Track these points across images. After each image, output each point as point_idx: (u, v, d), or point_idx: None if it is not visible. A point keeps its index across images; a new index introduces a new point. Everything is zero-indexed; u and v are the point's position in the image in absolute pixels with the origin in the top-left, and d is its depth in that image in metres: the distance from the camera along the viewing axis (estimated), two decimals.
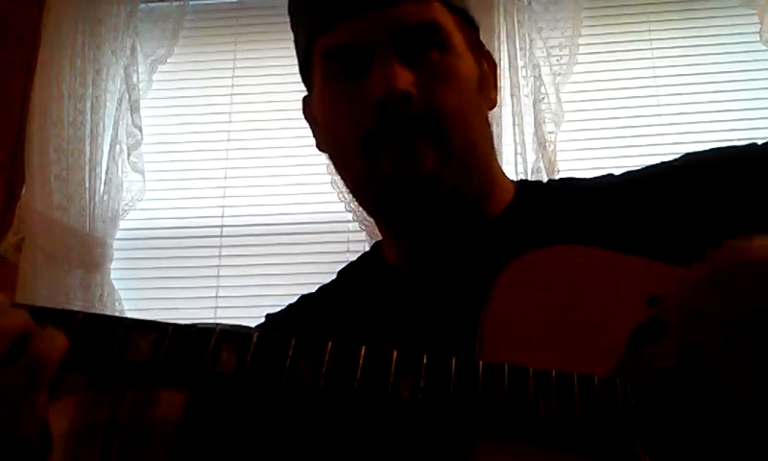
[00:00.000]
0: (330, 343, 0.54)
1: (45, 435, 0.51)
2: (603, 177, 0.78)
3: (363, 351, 0.54)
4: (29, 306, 0.53)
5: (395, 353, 0.54)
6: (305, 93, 0.85)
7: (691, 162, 0.73)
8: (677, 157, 0.74)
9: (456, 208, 0.73)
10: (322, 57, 0.74)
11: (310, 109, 0.82)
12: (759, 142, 0.72)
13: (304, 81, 0.83)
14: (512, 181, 0.82)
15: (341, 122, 0.74)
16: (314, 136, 0.83)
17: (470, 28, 0.79)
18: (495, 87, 0.82)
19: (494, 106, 0.80)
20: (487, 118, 0.78)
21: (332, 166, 0.81)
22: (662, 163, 0.74)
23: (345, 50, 0.72)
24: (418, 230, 0.74)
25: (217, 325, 0.56)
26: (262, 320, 0.82)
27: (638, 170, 0.75)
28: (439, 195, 0.71)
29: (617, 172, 0.78)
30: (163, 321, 0.55)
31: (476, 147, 0.74)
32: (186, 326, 0.55)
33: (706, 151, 0.73)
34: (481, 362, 0.54)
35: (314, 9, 0.75)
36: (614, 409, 0.52)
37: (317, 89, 0.78)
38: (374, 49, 0.70)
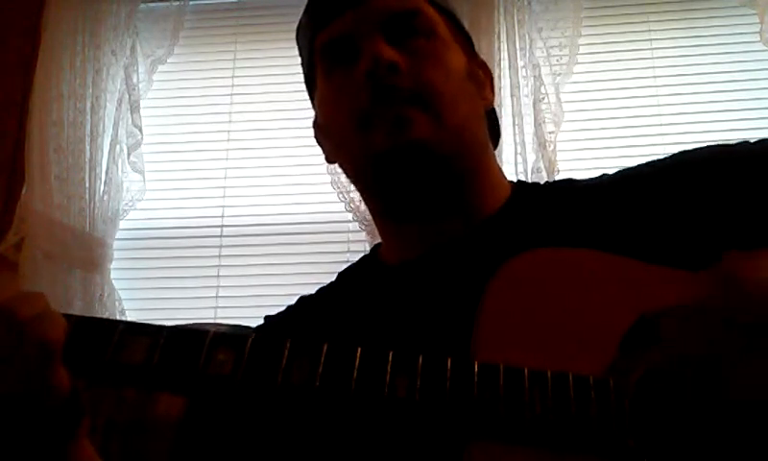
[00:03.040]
0: (326, 345, 0.54)
1: (74, 404, 0.56)
2: (598, 177, 0.78)
3: (359, 352, 0.54)
4: None
5: (390, 354, 0.54)
6: (305, 93, 0.86)
7: (684, 160, 0.73)
8: (669, 155, 0.74)
9: (449, 181, 0.73)
10: (320, 53, 0.77)
11: (317, 127, 0.84)
12: (752, 140, 0.73)
13: (311, 97, 0.85)
14: (509, 181, 0.82)
15: (337, 108, 0.76)
16: (324, 152, 0.85)
17: (459, 31, 0.81)
18: (492, 92, 0.83)
19: (490, 106, 0.82)
20: (481, 113, 0.79)
21: (334, 166, 0.82)
22: (656, 161, 0.74)
23: (337, 41, 0.75)
24: (413, 204, 0.74)
25: (215, 326, 0.56)
26: (261, 322, 0.82)
27: (632, 168, 0.75)
28: (432, 162, 0.71)
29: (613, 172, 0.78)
30: (160, 323, 0.56)
31: (468, 127, 0.75)
32: (182, 328, 0.55)
33: (699, 149, 0.74)
34: (477, 362, 0.54)
35: (313, 15, 0.79)
36: (609, 409, 0.52)
37: (319, 92, 0.80)
38: (361, 36, 0.73)
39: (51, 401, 0.54)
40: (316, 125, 0.85)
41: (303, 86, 0.86)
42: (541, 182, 0.84)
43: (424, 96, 0.71)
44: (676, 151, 0.75)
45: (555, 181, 0.83)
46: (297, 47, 0.85)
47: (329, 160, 0.85)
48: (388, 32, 0.73)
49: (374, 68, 0.71)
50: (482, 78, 0.81)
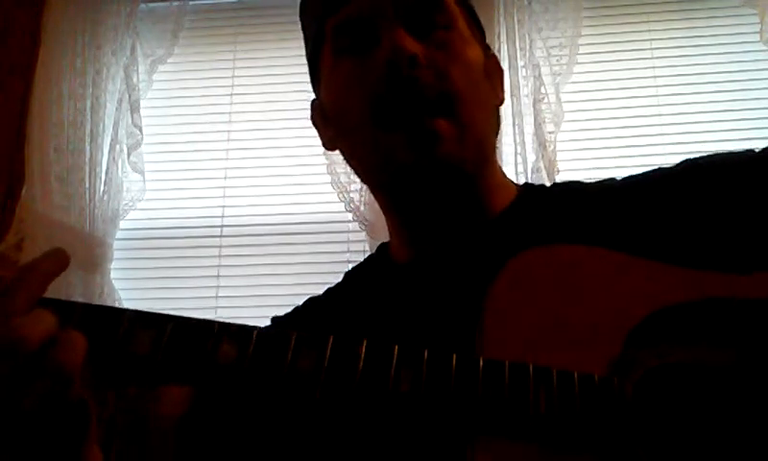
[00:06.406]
0: (332, 337, 0.54)
1: (84, 414, 0.54)
2: (605, 180, 0.78)
3: (364, 345, 0.54)
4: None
5: (396, 348, 0.53)
6: (306, 93, 0.85)
7: (691, 167, 0.73)
8: (677, 163, 0.74)
9: (467, 193, 0.73)
10: (331, 35, 0.75)
11: (318, 110, 0.82)
12: (757, 148, 0.72)
13: (312, 79, 0.83)
14: (514, 183, 0.82)
15: (351, 94, 0.73)
16: (321, 137, 0.83)
17: (476, 25, 0.80)
18: (502, 88, 0.82)
19: (502, 103, 0.81)
20: (496, 113, 0.79)
21: (334, 166, 0.81)
22: (662, 169, 0.74)
23: (352, 24, 0.73)
24: (429, 210, 0.74)
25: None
26: (267, 323, 0.81)
27: (639, 175, 0.75)
28: (457, 180, 0.71)
29: (617, 173, 0.78)
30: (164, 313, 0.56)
31: (486, 135, 0.75)
32: (188, 318, 0.55)
33: (704, 156, 0.73)
34: (482, 358, 0.54)
35: None
36: (613, 407, 0.52)
37: (326, 74, 0.77)
38: (380, 20, 0.71)
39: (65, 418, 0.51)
40: (314, 107, 0.83)
41: (304, 87, 0.85)
42: (548, 184, 0.83)
43: (447, 97, 0.69)
44: (680, 153, 0.75)
45: (563, 182, 0.82)
46: (300, 24, 0.83)
47: (328, 147, 0.82)
48: (407, 20, 0.71)
49: (395, 58, 0.68)
50: (495, 74, 0.80)
